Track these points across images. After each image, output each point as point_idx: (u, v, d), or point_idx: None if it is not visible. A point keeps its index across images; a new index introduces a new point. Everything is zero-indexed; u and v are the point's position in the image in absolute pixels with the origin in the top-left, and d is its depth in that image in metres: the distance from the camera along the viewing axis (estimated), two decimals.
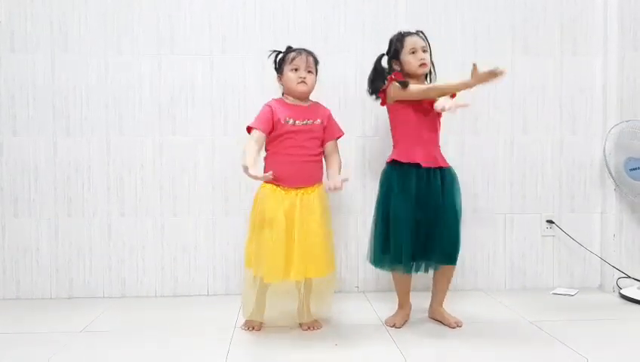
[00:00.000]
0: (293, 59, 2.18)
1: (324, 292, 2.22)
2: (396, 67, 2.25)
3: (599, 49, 2.79)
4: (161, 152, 2.71)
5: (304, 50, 2.22)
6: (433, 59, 2.28)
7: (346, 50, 2.75)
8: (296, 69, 2.17)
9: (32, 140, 2.67)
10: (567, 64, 2.81)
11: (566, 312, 2.42)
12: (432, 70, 2.30)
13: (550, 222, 2.82)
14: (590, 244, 2.81)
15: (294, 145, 2.15)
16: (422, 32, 2.26)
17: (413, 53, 2.20)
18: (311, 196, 2.14)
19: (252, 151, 2.08)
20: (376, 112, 2.74)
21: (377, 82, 2.26)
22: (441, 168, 2.19)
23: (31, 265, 2.68)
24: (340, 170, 2.23)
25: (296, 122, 2.15)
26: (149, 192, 2.70)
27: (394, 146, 2.27)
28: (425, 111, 2.18)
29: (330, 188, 2.12)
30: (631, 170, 2.61)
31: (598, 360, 1.85)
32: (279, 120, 2.14)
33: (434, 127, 2.23)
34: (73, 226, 2.69)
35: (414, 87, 2.14)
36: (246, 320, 2.22)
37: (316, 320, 2.23)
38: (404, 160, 2.17)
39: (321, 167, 2.24)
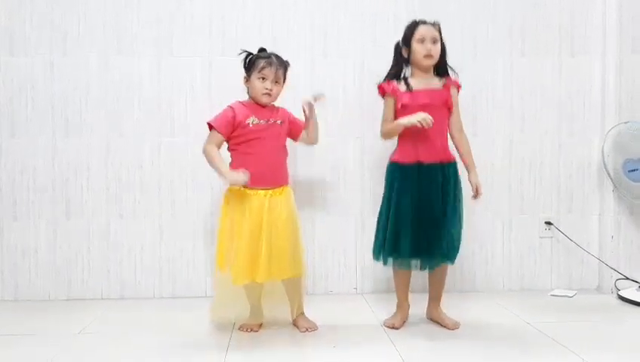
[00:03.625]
0: (262, 68, 2.16)
1: (291, 295, 2.23)
2: (405, 54, 2.23)
3: (598, 50, 2.79)
4: (160, 153, 2.71)
5: (276, 58, 2.19)
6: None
7: (345, 52, 2.75)
8: (263, 78, 2.16)
9: (31, 142, 2.67)
10: (566, 65, 2.81)
11: (564, 314, 2.42)
12: (445, 69, 2.27)
13: (548, 223, 2.82)
14: (588, 246, 2.81)
15: (262, 146, 2.15)
16: (438, 23, 2.24)
17: (421, 42, 2.18)
18: (278, 198, 2.15)
19: (220, 158, 2.14)
20: (375, 114, 2.72)
21: (396, 70, 2.25)
22: (444, 164, 2.18)
23: (29, 266, 2.68)
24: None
25: (261, 121, 2.16)
26: (147, 193, 2.70)
27: (397, 144, 2.26)
28: (428, 105, 2.15)
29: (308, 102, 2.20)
30: (629, 171, 2.61)
31: (596, 361, 1.84)
32: (242, 121, 2.15)
33: (439, 120, 2.18)
34: (72, 228, 2.69)
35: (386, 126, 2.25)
36: (243, 324, 2.22)
37: (313, 322, 2.23)
38: (404, 160, 2.18)
39: (287, 170, 2.25)
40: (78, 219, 2.69)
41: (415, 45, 2.19)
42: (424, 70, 2.21)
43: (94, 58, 2.68)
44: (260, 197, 2.12)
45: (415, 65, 2.22)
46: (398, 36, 2.30)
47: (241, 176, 2.08)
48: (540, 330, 2.17)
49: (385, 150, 2.69)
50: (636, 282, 2.67)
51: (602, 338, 2.11)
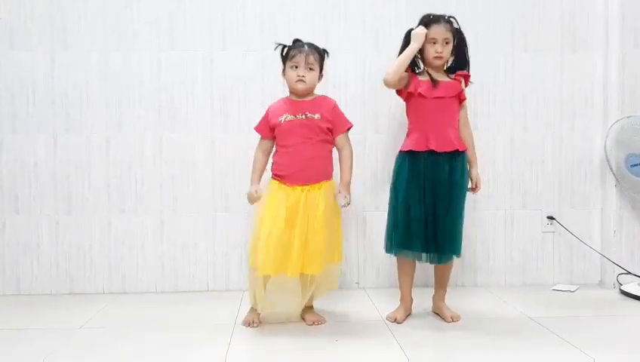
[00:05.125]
0: (293, 56, 2.17)
1: (324, 284, 2.23)
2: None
3: (600, 45, 2.78)
4: (161, 149, 2.71)
5: (307, 46, 2.19)
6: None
7: (346, 49, 2.74)
8: (296, 67, 2.16)
9: (32, 137, 2.67)
10: (568, 61, 2.81)
11: (566, 308, 2.42)
12: (463, 63, 2.27)
13: (550, 218, 2.81)
14: (590, 240, 2.81)
15: (294, 142, 2.15)
16: (453, 18, 2.23)
17: (433, 43, 2.19)
18: (316, 193, 2.13)
19: (255, 167, 2.24)
20: (377, 110, 2.74)
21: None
22: (454, 154, 2.18)
23: (31, 261, 2.68)
24: (347, 167, 2.22)
25: (297, 116, 2.16)
26: (148, 189, 2.70)
27: (407, 135, 2.26)
28: (440, 100, 2.18)
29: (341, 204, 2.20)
30: (632, 166, 2.61)
31: (599, 356, 1.84)
32: (276, 120, 2.18)
33: (450, 114, 2.21)
34: (73, 223, 2.69)
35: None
36: (245, 318, 2.22)
37: (320, 316, 2.24)
38: (416, 148, 2.18)
39: (329, 165, 2.23)
40: (79, 215, 2.69)
41: (426, 45, 2.19)
42: (434, 68, 2.24)
43: (95, 53, 2.68)
44: (297, 193, 2.12)
45: (425, 62, 2.25)
46: (400, 33, 2.28)
47: (254, 196, 2.17)
48: (542, 325, 2.17)
49: (386, 146, 2.71)
50: (638, 277, 2.67)
51: (604, 332, 2.10)
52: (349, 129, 2.25)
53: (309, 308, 2.25)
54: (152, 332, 2.13)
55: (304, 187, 2.13)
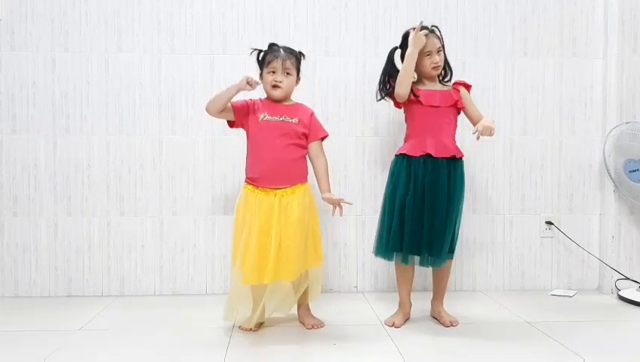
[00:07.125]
0: (270, 62, 2.15)
1: (310, 286, 2.21)
2: None
3: (599, 50, 2.80)
4: (161, 151, 2.71)
5: (284, 50, 2.18)
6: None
7: (347, 51, 2.75)
8: (273, 72, 2.16)
9: (32, 138, 2.67)
10: (567, 65, 2.81)
11: (564, 313, 2.42)
12: (448, 68, 2.30)
13: (549, 223, 2.82)
14: (589, 246, 2.82)
15: (268, 143, 2.14)
16: (437, 28, 2.26)
17: (428, 55, 2.20)
18: (290, 198, 2.12)
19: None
20: (376, 113, 2.74)
21: (392, 79, 2.25)
22: (451, 159, 2.20)
23: (30, 263, 2.68)
24: (325, 176, 2.21)
25: (267, 117, 2.15)
26: (148, 191, 2.71)
27: (405, 140, 2.28)
28: (437, 109, 2.20)
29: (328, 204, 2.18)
30: (630, 171, 2.61)
31: (596, 361, 1.85)
32: (254, 115, 2.16)
33: (447, 122, 2.23)
34: (72, 225, 2.69)
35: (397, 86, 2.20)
36: (241, 323, 2.21)
37: (319, 320, 2.24)
38: (412, 153, 2.19)
39: (303, 168, 2.20)
40: (78, 216, 2.69)
41: (422, 58, 2.20)
42: (429, 79, 2.26)
43: (95, 55, 2.68)
44: (270, 197, 2.11)
45: (421, 74, 2.25)
46: (400, 34, 2.30)
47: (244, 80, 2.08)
48: (540, 330, 2.17)
49: (386, 149, 2.71)
50: (636, 282, 2.67)
51: (602, 338, 2.11)
52: (324, 138, 2.24)
53: (306, 312, 2.26)
54: (151, 335, 2.13)
55: (277, 191, 2.12)
